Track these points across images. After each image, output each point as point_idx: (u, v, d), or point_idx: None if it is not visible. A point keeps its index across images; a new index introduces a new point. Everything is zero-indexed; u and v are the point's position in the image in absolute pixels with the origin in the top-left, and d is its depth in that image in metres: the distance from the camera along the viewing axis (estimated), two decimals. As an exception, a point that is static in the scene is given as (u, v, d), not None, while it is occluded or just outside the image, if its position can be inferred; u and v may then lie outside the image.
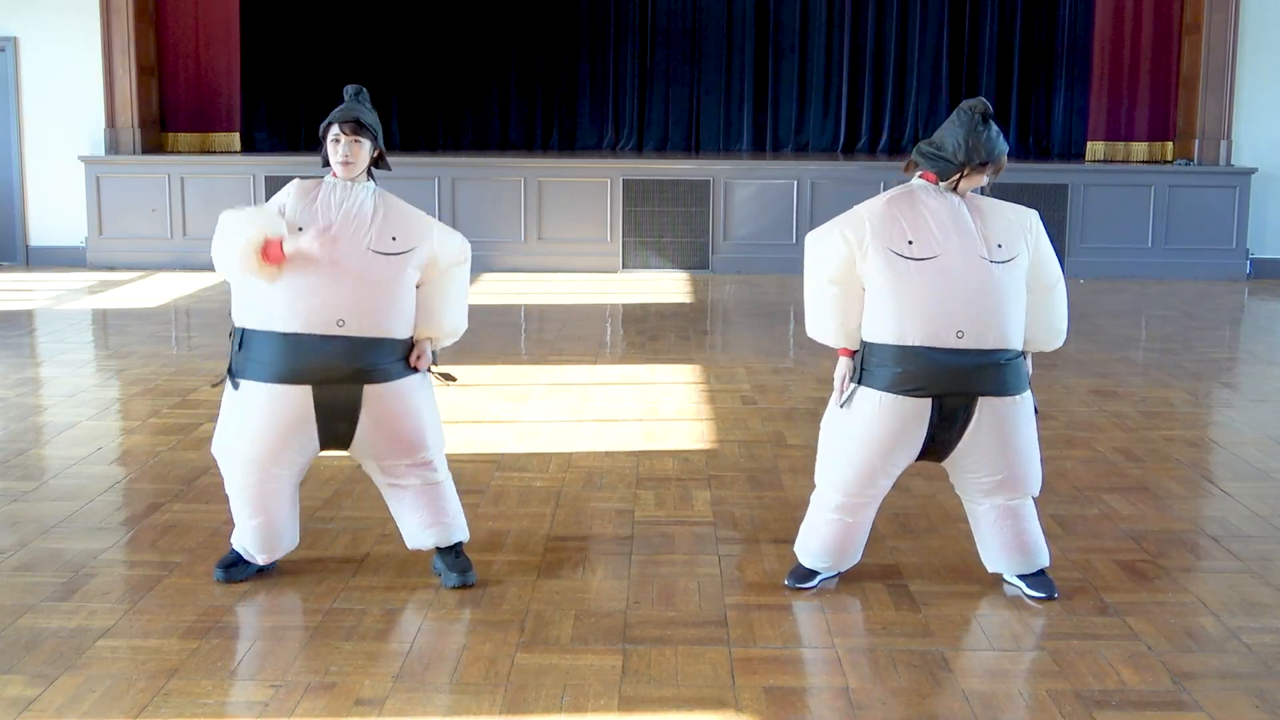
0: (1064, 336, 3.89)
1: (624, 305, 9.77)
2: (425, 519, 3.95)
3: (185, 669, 3.34)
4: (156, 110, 11.87)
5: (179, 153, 11.86)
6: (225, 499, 4.76)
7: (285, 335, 3.70)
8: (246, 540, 3.95)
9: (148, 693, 3.20)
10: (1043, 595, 3.85)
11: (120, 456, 5.42)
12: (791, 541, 4.34)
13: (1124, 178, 11.29)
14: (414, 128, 13.25)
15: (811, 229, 4.06)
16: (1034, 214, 3.81)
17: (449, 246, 3.91)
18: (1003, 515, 3.86)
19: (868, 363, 3.71)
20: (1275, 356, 8.19)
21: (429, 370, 3.92)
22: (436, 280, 3.89)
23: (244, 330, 3.85)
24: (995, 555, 3.93)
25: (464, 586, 3.91)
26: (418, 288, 3.87)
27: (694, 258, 11.28)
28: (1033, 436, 3.83)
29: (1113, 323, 8.87)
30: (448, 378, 4.08)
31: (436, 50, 13.17)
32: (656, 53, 13.51)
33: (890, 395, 3.67)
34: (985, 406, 3.68)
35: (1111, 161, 11.79)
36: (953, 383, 3.64)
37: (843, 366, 3.80)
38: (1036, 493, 3.90)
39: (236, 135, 12.03)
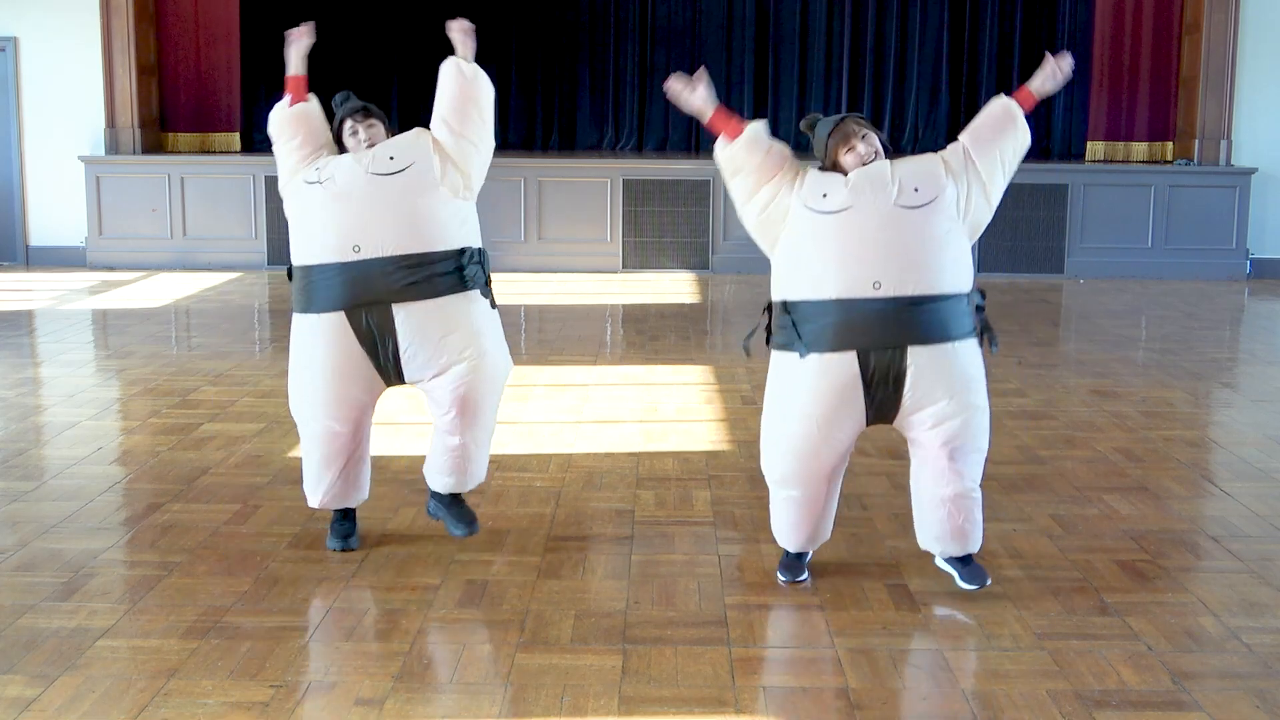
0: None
1: (624, 305, 9.77)
2: (446, 465, 4.07)
3: (185, 669, 3.34)
4: (156, 110, 11.87)
5: (179, 153, 11.86)
6: (225, 499, 4.78)
7: (310, 267, 3.89)
8: (308, 482, 4.13)
9: (148, 693, 3.20)
10: (975, 586, 3.81)
11: (120, 456, 5.42)
12: (791, 541, 4.36)
13: (1124, 178, 11.29)
14: (413, 128, 13.24)
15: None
16: (944, 150, 3.77)
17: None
18: (944, 480, 3.72)
19: (786, 322, 3.67)
20: (1275, 356, 8.19)
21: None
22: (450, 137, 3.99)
23: (290, 266, 4.04)
24: (928, 531, 3.83)
25: (470, 535, 4.12)
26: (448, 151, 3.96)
27: (694, 258, 11.28)
28: (981, 390, 3.70)
29: (1113, 323, 8.87)
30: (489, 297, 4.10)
31: (436, 50, 13.10)
32: (656, 53, 13.50)
33: (814, 356, 3.62)
34: (918, 356, 3.58)
35: (1111, 161, 11.79)
36: (875, 334, 3.56)
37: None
38: (984, 445, 3.77)
39: (236, 135, 12.03)
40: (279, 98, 4.22)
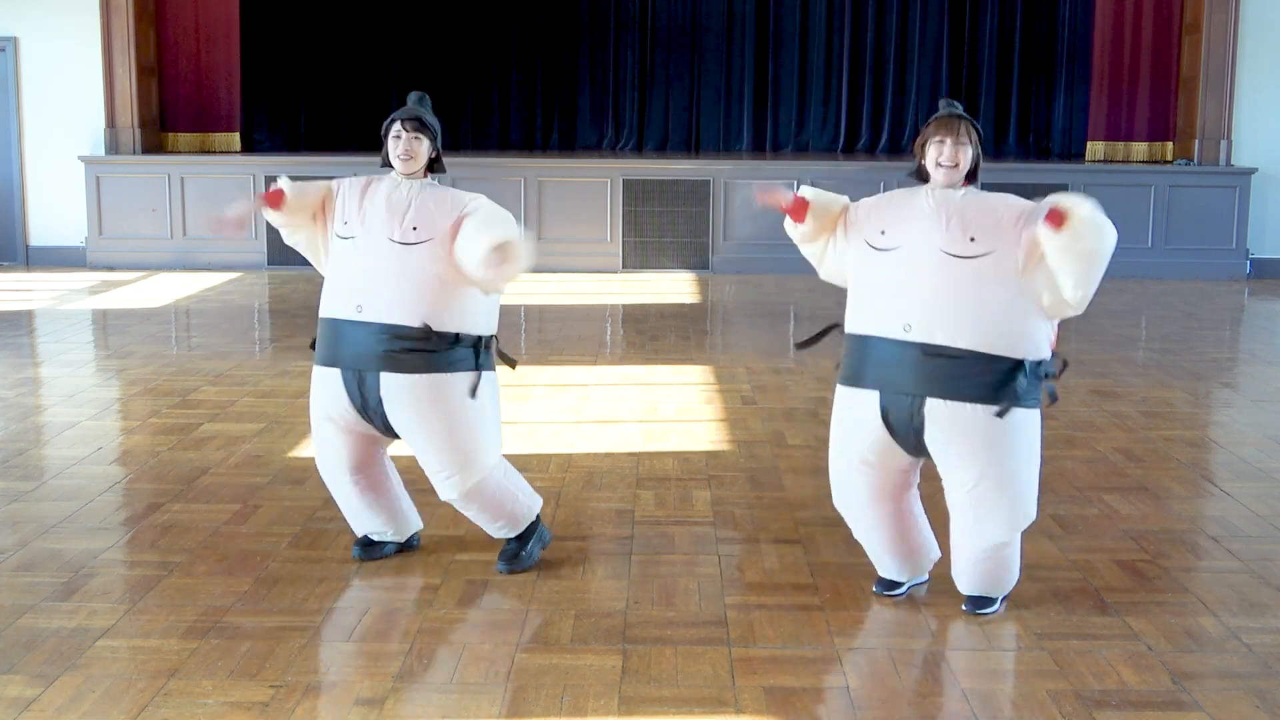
0: (1073, 300, 3.49)
1: (624, 305, 9.77)
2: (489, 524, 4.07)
3: (185, 669, 3.34)
4: (156, 110, 11.87)
5: (179, 153, 11.86)
6: (225, 499, 4.78)
7: (322, 319, 3.93)
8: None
9: (148, 693, 3.20)
10: (967, 609, 3.75)
11: (120, 456, 5.42)
12: (791, 541, 4.36)
13: (1124, 178, 11.28)
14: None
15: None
16: (1033, 203, 3.53)
17: (473, 201, 3.92)
18: (967, 530, 3.63)
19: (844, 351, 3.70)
20: (1275, 356, 8.19)
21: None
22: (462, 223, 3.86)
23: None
24: (955, 565, 3.75)
25: (512, 572, 4.03)
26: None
27: (694, 258, 11.28)
28: (1016, 462, 3.52)
29: (1113, 323, 8.87)
30: (507, 360, 4.04)
31: (436, 50, 13.16)
32: (656, 52, 13.51)
33: (844, 389, 3.64)
34: (935, 410, 3.46)
35: (1111, 161, 11.79)
36: (893, 377, 3.50)
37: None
38: (1022, 526, 3.62)
39: (236, 135, 12.03)
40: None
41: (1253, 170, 11.17)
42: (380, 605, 3.80)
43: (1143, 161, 11.78)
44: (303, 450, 5.39)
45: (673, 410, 6.27)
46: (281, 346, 7.85)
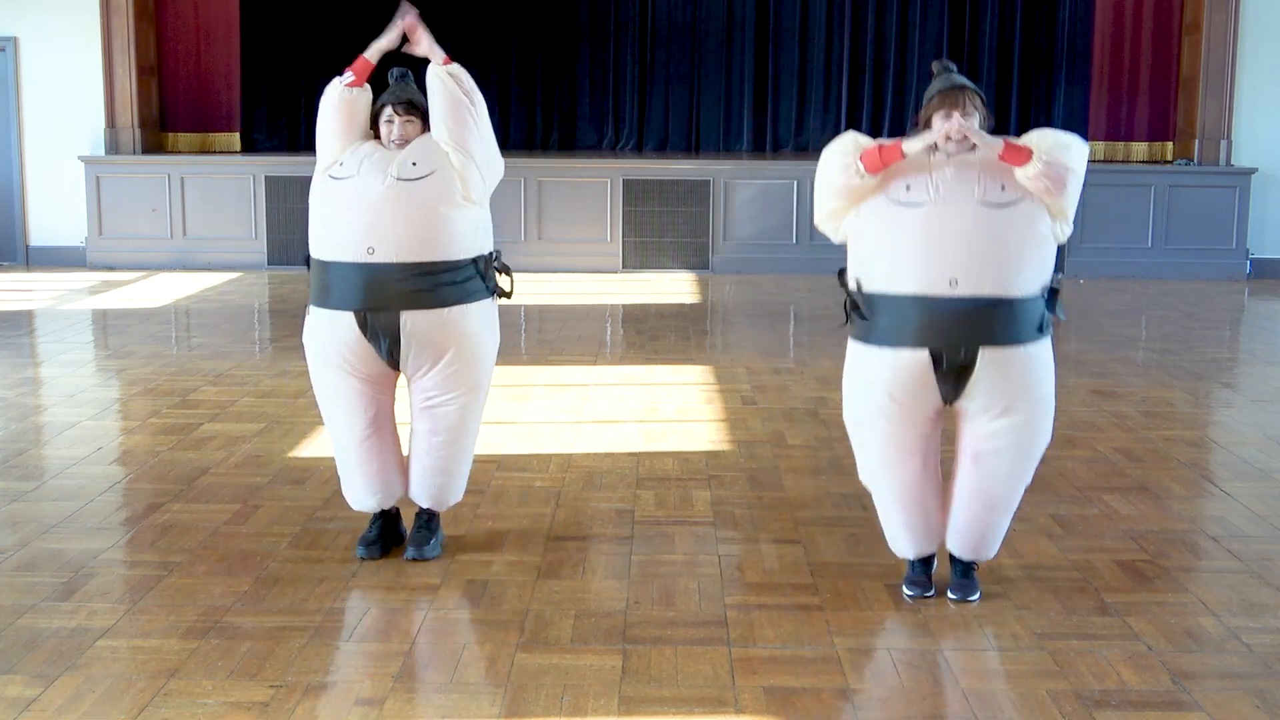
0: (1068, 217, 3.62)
1: (624, 305, 9.77)
2: (428, 470, 4.10)
3: (185, 669, 3.34)
4: (156, 110, 11.88)
5: (179, 153, 11.87)
6: (225, 499, 4.78)
7: (328, 264, 3.91)
8: (346, 487, 4.18)
9: (148, 693, 3.20)
10: (957, 598, 3.80)
11: (120, 456, 5.42)
12: (791, 541, 4.36)
13: (1124, 178, 11.28)
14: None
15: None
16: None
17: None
18: (969, 481, 3.71)
19: (863, 312, 3.62)
20: (1275, 356, 8.19)
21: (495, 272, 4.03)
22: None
23: (308, 255, 4.04)
24: (950, 522, 3.80)
25: (418, 559, 4.09)
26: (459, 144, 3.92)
27: (694, 258, 11.28)
28: (1047, 389, 3.68)
29: (1113, 323, 8.87)
30: (506, 270, 4.10)
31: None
32: (656, 53, 13.50)
33: (888, 350, 3.58)
34: (987, 356, 3.54)
35: (1111, 161, 11.79)
36: (949, 333, 3.51)
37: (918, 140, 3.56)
38: (1045, 441, 3.74)
39: (236, 135, 12.04)
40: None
41: (1253, 170, 11.17)
42: (380, 605, 3.80)
43: (1143, 161, 11.78)
44: (303, 450, 5.40)
45: (673, 410, 6.27)
46: (281, 346, 7.85)
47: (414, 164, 3.86)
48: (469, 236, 3.95)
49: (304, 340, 4.12)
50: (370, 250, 3.82)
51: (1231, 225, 11.15)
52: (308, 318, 4.06)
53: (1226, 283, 10.98)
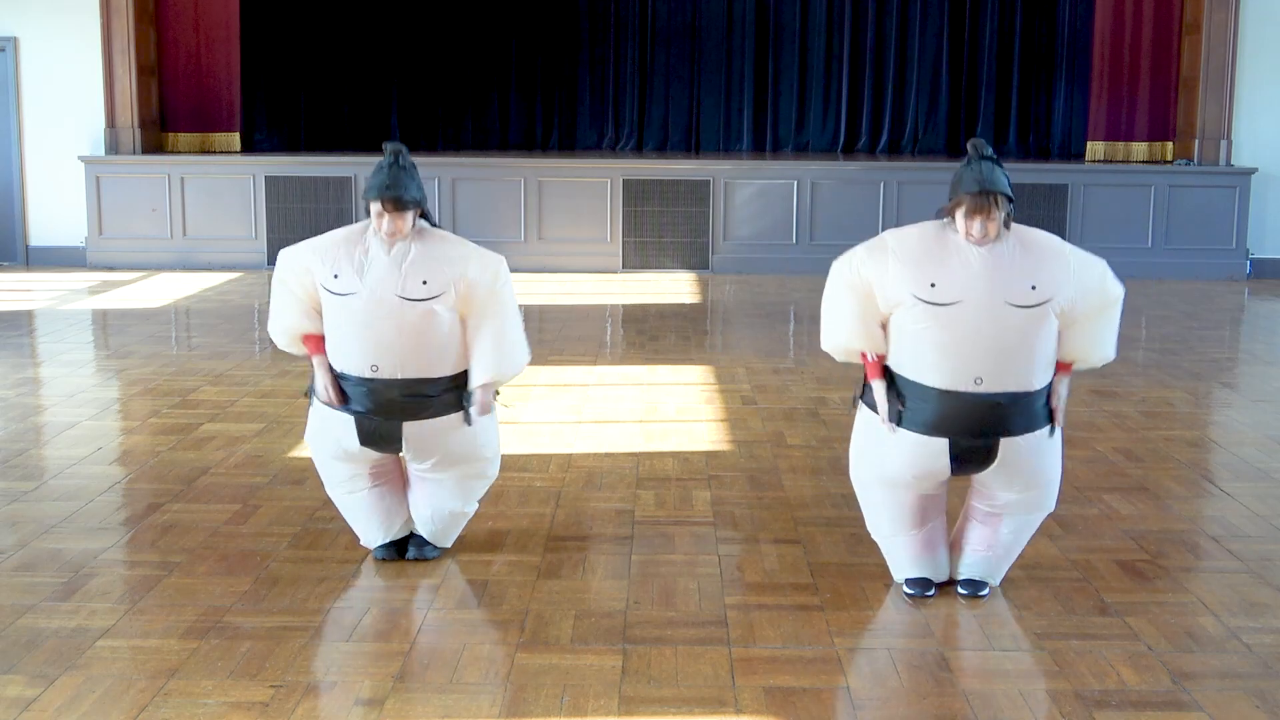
0: (1112, 354, 3.90)
1: (624, 305, 9.77)
2: (430, 519, 4.13)
3: (185, 669, 3.34)
4: (156, 110, 11.87)
5: (179, 153, 11.86)
6: (225, 499, 4.79)
7: (337, 373, 3.92)
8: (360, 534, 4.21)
9: (148, 693, 3.20)
10: (967, 593, 3.85)
11: (120, 456, 5.42)
12: (791, 541, 4.36)
13: (1124, 178, 11.28)
14: (414, 128, 13.25)
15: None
16: (1075, 257, 3.72)
17: (483, 273, 3.89)
18: (992, 533, 3.85)
19: (891, 391, 3.69)
20: (1275, 356, 8.19)
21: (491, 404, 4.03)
22: (478, 320, 3.90)
23: (311, 386, 4.06)
24: (962, 561, 3.89)
25: (419, 559, 4.12)
26: (464, 321, 3.92)
27: (694, 258, 11.28)
28: (1055, 461, 3.79)
29: (1113, 323, 8.85)
30: (504, 404, 4.22)
31: (436, 50, 13.16)
32: (656, 53, 13.51)
33: (908, 433, 3.66)
34: (1008, 446, 3.65)
35: (1111, 161, 11.79)
36: (971, 426, 3.60)
37: (879, 389, 3.69)
38: (1050, 507, 3.89)
39: (236, 135, 12.03)
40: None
41: (1253, 170, 11.17)
42: (380, 605, 3.80)
43: (1143, 161, 11.78)
44: (303, 450, 5.39)
45: (673, 410, 6.27)
46: (281, 346, 7.85)
47: (424, 282, 3.79)
48: (465, 351, 3.93)
49: (309, 424, 4.09)
50: (374, 368, 3.82)
51: (1231, 225, 11.14)
52: (312, 408, 4.03)
53: (1226, 283, 10.97)
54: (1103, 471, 5.24)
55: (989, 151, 3.61)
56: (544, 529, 4.47)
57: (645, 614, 3.72)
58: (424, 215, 3.95)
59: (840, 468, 5.14)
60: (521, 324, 4.06)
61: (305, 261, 3.89)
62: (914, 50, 13.28)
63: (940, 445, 3.64)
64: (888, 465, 3.75)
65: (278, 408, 6.17)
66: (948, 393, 3.57)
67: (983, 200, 3.52)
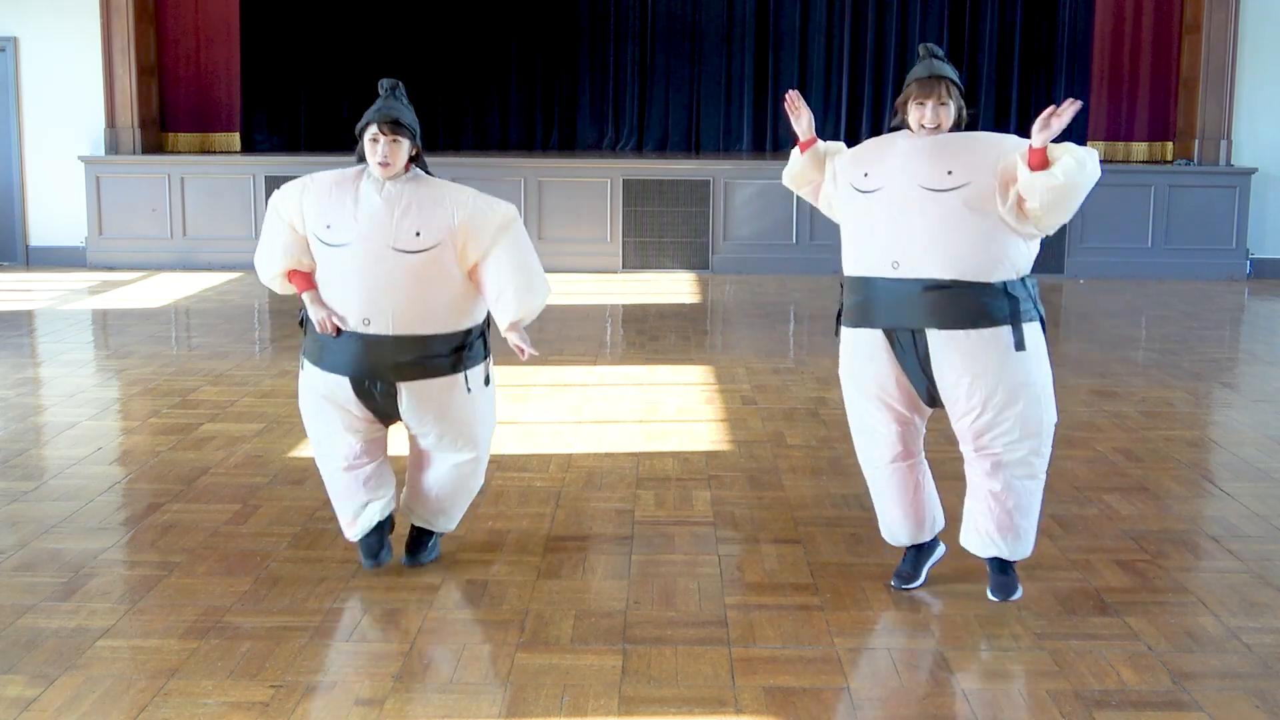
0: (1048, 225, 3.57)
1: (624, 305, 9.77)
2: (425, 502, 4.06)
3: (185, 669, 3.34)
4: (156, 110, 11.87)
5: (179, 153, 11.86)
6: (225, 499, 4.78)
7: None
8: (341, 517, 4.04)
9: (148, 693, 3.20)
10: (999, 599, 3.79)
11: (120, 456, 5.42)
12: (791, 541, 4.36)
13: (1124, 178, 11.27)
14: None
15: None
16: (1011, 138, 3.64)
17: (485, 219, 3.80)
18: (980, 474, 3.72)
19: (842, 295, 3.82)
20: (1275, 356, 8.19)
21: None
22: (488, 260, 3.81)
23: (303, 315, 3.93)
24: (968, 524, 3.80)
25: (414, 565, 4.08)
26: (473, 271, 3.82)
27: (694, 258, 11.28)
28: (1024, 376, 3.60)
29: (1113, 323, 8.87)
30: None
31: (436, 50, 13.15)
32: (656, 53, 13.50)
33: (848, 331, 3.76)
34: (937, 341, 3.56)
35: (1111, 161, 11.78)
36: (893, 315, 3.62)
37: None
38: (1040, 430, 3.71)
39: (236, 135, 12.03)
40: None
41: (1253, 170, 11.17)
42: (380, 605, 3.80)
43: (1143, 161, 11.78)
44: (303, 450, 5.39)
45: (673, 410, 6.27)
46: (281, 346, 7.85)
47: (417, 234, 3.70)
48: (462, 311, 3.85)
49: (300, 393, 3.99)
50: (366, 322, 3.72)
51: (1231, 225, 11.15)
52: (302, 372, 3.95)
53: (1226, 283, 10.98)
54: (1103, 471, 5.24)
55: (940, 52, 3.74)
56: (544, 529, 4.47)
57: (645, 614, 3.72)
58: (417, 157, 3.86)
59: (841, 468, 5.15)
60: (539, 262, 3.99)
61: (299, 205, 3.80)
62: (914, 51, 13.24)
63: (875, 337, 3.67)
64: (846, 371, 3.82)
65: (278, 408, 6.17)
66: (870, 279, 3.65)
67: (931, 84, 3.63)
